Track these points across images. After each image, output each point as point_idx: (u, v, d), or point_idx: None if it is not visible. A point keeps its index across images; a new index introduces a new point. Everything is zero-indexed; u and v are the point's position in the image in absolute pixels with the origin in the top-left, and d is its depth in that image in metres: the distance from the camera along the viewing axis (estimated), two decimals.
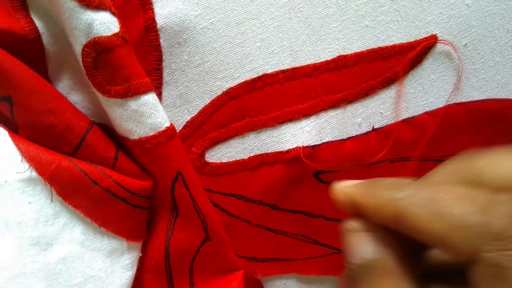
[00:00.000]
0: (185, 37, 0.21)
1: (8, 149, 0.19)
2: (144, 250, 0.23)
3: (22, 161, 0.19)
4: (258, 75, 0.22)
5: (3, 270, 0.19)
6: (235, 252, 0.24)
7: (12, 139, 0.19)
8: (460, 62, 0.21)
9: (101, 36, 0.18)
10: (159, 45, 0.21)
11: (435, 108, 0.22)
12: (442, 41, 0.21)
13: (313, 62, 0.22)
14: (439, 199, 0.16)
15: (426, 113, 0.22)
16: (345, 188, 0.18)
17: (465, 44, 0.22)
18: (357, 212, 0.18)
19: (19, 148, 0.19)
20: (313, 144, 0.22)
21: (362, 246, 0.17)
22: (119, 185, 0.21)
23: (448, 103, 0.22)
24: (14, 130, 0.20)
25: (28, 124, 0.20)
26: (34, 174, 0.19)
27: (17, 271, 0.19)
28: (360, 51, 0.22)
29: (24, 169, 0.19)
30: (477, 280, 0.15)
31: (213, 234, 0.23)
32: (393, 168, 0.23)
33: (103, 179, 0.20)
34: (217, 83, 0.22)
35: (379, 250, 0.17)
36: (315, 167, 0.22)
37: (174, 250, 0.23)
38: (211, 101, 0.22)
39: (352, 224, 0.18)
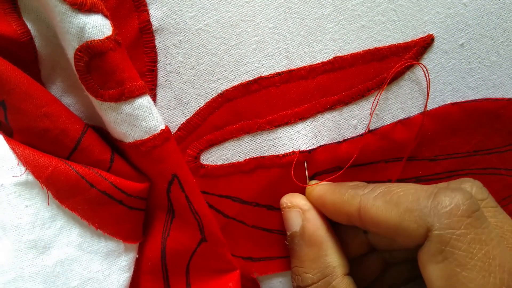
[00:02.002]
0: (180, 38, 0.21)
1: (3, 153, 0.19)
2: (140, 251, 0.23)
3: (18, 164, 0.19)
4: (254, 77, 0.22)
5: (1, 274, 0.19)
6: (231, 252, 0.24)
7: (7, 143, 0.19)
8: (428, 83, 0.22)
9: (94, 40, 0.18)
10: (154, 46, 0.21)
11: (430, 108, 0.22)
12: (419, 64, 0.22)
13: (309, 64, 0.22)
14: (394, 191, 0.18)
15: (421, 113, 0.22)
16: (317, 187, 0.22)
17: (462, 44, 0.22)
18: (324, 209, 0.21)
19: (15, 152, 0.19)
20: (309, 148, 0.22)
21: (293, 220, 0.21)
22: (116, 187, 0.21)
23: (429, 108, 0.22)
24: (8, 135, 0.20)
25: (23, 129, 0.20)
26: (30, 177, 0.19)
27: (14, 274, 0.19)
28: (356, 51, 0.22)
29: (20, 173, 0.19)
30: (424, 258, 0.17)
31: (210, 235, 0.23)
32: (387, 168, 0.23)
33: (99, 181, 0.20)
34: (212, 85, 0.22)
35: (306, 223, 0.21)
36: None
37: (171, 251, 0.23)
38: (206, 103, 0.22)
39: (286, 202, 0.22)
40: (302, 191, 0.22)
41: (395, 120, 0.22)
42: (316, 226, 0.21)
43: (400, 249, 0.21)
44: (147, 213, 0.24)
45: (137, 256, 0.23)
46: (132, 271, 0.23)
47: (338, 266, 0.20)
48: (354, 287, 0.20)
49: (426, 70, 0.22)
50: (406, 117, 0.22)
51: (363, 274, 0.22)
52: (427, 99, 0.22)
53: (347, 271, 0.20)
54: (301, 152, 0.22)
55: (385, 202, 0.18)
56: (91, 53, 0.18)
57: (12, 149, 0.19)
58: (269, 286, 0.25)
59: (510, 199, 0.24)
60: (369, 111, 0.22)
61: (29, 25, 0.20)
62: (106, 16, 0.18)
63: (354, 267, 0.21)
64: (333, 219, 0.21)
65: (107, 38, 0.18)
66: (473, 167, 0.23)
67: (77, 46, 0.18)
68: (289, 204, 0.22)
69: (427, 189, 0.18)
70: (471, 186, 0.19)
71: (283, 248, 0.24)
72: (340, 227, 0.22)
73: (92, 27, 0.18)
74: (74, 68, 0.19)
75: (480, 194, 0.19)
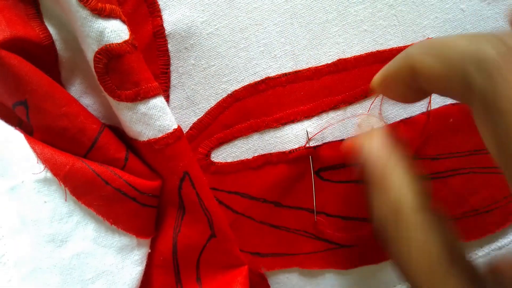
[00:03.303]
0: (192, 42, 0.22)
1: (25, 151, 0.20)
2: (153, 246, 0.24)
3: (37, 162, 0.20)
4: (262, 78, 0.22)
5: (21, 265, 0.20)
6: (239, 248, 0.24)
7: (28, 142, 0.20)
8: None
9: (112, 43, 0.19)
10: (167, 50, 0.22)
11: (431, 109, 0.23)
12: None
13: (314, 66, 0.22)
14: (440, 43, 0.15)
15: (423, 113, 0.23)
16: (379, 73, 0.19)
17: None
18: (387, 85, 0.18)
19: (34, 150, 0.20)
20: (314, 144, 0.23)
21: (372, 146, 0.19)
22: (130, 185, 0.21)
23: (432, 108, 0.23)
24: (29, 133, 0.21)
25: (43, 127, 0.20)
26: (49, 174, 0.20)
27: (34, 266, 0.20)
28: (359, 54, 0.22)
29: (39, 170, 0.20)
30: (474, 118, 0.14)
31: (219, 231, 0.23)
32: None
33: (114, 179, 0.21)
34: (222, 86, 0.23)
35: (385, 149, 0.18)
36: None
37: (182, 246, 0.24)
38: (217, 103, 0.23)
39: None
40: (312, 188, 0.23)
41: (398, 119, 0.23)
42: (373, 165, 0.18)
43: None
44: (159, 210, 0.24)
45: (149, 250, 0.24)
46: (144, 264, 0.23)
47: (411, 201, 0.17)
48: (430, 223, 0.17)
49: None
50: (408, 116, 0.23)
51: None
52: (430, 100, 0.23)
53: (422, 205, 0.17)
54: (306, 148, 0.23)
55: (433, 55, 0.15)
56: (109, 55, 0.19)
57: (32, 147, 0.20)
58: (277, 281, 0.25)
59: (510, 198, 0.24)
60: (372, 111, 0.23)
61: (51, 30, 0.21)
62: (123, 21, 0.19)
63: None
64: (402, 100, 0.19)
65: (125, 42, 0.19)
66: (474, 165, 0.24)
67: (97, 49, 0.19)
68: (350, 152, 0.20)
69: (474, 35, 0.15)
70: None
71: (290, 245, 0.24)
72: None
73: (111, 32, 0.19)
74: (93, 70, 0.20)
75: None
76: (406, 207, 0.17)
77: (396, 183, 0.18)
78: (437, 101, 0.23)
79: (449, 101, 0.23)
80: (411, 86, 0.17)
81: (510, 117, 0.12)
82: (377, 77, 0.18)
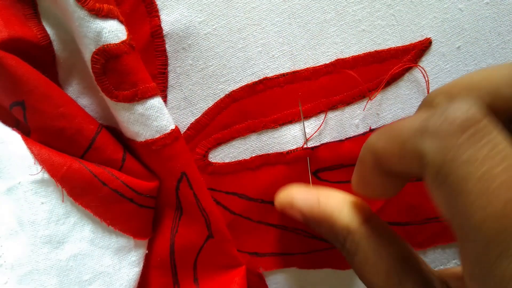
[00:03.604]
0: (189, 42, 0.22)
1: (21, 152, 0.20)
2: (150, 247, 0.24)
3: (34, 163, 0.20)
4: (259, 78, 0.22)
5: (18, 267, 0.20)
6: (237, 248, 0.24)
7: (25, 142, 0.20)
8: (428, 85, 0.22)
9: (110, 44, 0.19)
10: (164, 50, 0.22)
11: None
12: (417, 66, 0.22)
13: (312, 66, 0.22)
14: (393, 124, 0.16)
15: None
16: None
17: (459, 47, 0.22)
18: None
19: (31, 151, 0.20)
20: (312, 145, 0.23)
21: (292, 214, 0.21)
22: (127, 186, 0.21)
23: None
24: (26, 133, 0.21)
25: (40, 128, 0.20)
26: (46, 175, 0.20)
27: (31, 268, 0.20)
28: (357, 54, 0.22)
29: (36, 171, 0.20)
30: (427, 183, 0.14)
31: (216, 231, 0.23)
32: None
33: (111, 180, 0.21)
34: (220, 86, 0.23)
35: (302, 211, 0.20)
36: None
37: (179, 247, 0.24)
38: (214, 104, 0.23)
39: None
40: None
41: (396, 119, 0.23)
42: (307, 208, 0.20)
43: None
44: (157, 211, 0.24)
45: (147, 251, 0.24)
46: (141, 266, 0.23)
47: (350, 221, 0.18)
48: (378, 230, 0.18)
49: (425, 72, 0.22)
50: (406, 116, 0.23)
51: None
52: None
53: (362, 217, 0.19)
54: (304, 149, 0.23)
55: (388, 137, 0.16)
56: (107, 56, 0.19)
57: (29, 148, 0.20)
58: (275, 281, 0.25)
59: None
60: (370, 111, 0.23)
61: (49, 30, 0.21)
62: (121, 21, 0.19)
63: None
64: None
65: (122, 42, 0.19)
66: None
67: (94, 49, 0.19)
68: (278, 207, 0.22)
69: (423, 114, 0.15)
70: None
71: (288, 244, 0.25)
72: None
73: (109, 32, 0.19)
74: (90, 70, 0.20)
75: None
76: (354, 225, 0.18)
77: (336, 215, 0.19)
78: None
79: None
80: (381, 174, 0.17)
81: (463, 196, 0.13)
82: (353, 179, 0.19)
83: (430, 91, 0.23)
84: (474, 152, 0.13)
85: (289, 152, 0.23)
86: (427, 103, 0.18)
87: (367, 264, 0.18)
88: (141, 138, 0.21)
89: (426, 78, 0.22)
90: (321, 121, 0.23)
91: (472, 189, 0.12)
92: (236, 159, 0.23)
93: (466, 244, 0.13)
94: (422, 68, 0.22)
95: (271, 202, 0.24)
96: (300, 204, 0.20)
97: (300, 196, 0.20)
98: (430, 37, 0.22)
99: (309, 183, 0.23)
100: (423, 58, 0.22)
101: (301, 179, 0.23)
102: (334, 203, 0.19)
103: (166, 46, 0.22)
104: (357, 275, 0.19)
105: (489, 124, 0.13)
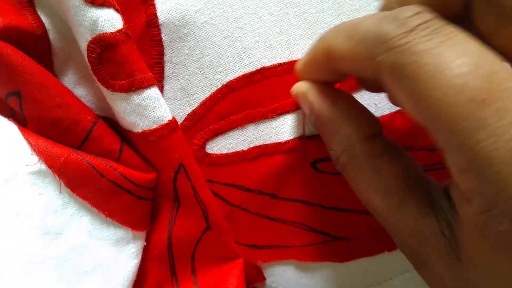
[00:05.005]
0: (185, 31, 0.22)
1: (18, 143, 0.20)
2: (147, 239, 0.24)
3: (32, 154, 0.20)
4: (257, 68, 0.22)
5: (15, 258, 0.19)
6: (235, 240, 0.24)
7: (21, 133, 0.20)
8: None
9: (106, 33, 0.19)
10: (160, 39, 0.22)
11: None
12: None
13: None
14: (350, 23, 0.16)
15: None
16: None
17: None
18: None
19: (28, 142, 0.20)
20: (310, 134, 0.23)
21: (302, 106, 0.20)
22: (125, 177, 0.21)
23: None
24: (22, 124, 0.21)
25: (36, 118, 0.20)
26: (43, 166, 0.20)
27: (28, 259, 0.20)
28: None
29: (34, 162, 0.20)
30: (386, 86, 0.15)
31: (214, 223, 0.23)
32: None
33: (109, 171, 0.21)
34: (217, 76, 0.23)
35: (311, 104, 0.19)
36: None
37: (177, 239, 0.24)
38: (211, 94, 0.23)
39: (292, 91, 0.20)
40: (308, 180, 0.23)
41: (394, 110, 0.23)
42: (319, 104, 0.19)
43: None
44: (154, 202, 0.24)
45: (145, 243, 0.24)
46: (140, 257, 0.23)
47: (354, 133, 0.18)
48: (380, 149, 0.17)
49: None
50: None
51: None
52: None
53: (368, 132, 0.18)
54: (302, 138, 0.23)
55: (345, 36, 0.16)
56: (103, 45, 0.19)
57: (26, 139, 0.20)
58: (272, 273, 0.25)
59: None
60: (368, 102, 0.23)
61: (44, 19, 0.21)
62: (117, 10, 0.19)
63: None
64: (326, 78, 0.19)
65: (118, 31, 0.19)
66: None
67: (90, 38, 0.19)
68: (293, 93, 0.20)
69: (381, 13, 0.15)
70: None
71: (286, 237, 0.24)
72: None
73: (105, 21, 0.19)
74: (86, 60, 0.20)
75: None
76: (355, 139, 0.18)
77: (342, 120, 0.18)
78: None
79: None
80: (328, 68, 0.18)
81: (420, 82, 0.13)
82: (299, 62, 0.19)
83: None
84: (428, 40, 0.13)
85: (287, 142, 0.23)
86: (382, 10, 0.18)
87: (363, 182, 0.17)
88: (138, 129, 0.21)
89: None
90: None
91: (432, 73, 0.13)
92: (233, 150, 0.23)
93: (440, 135, 0.13)
94: None
95: (270, 194, 0.24)
96: (313, 97, 0.19)
97: (317, 90, 0.19)
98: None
99: (307, 174, 0.23)
100: None
101: (300, 170, 0.23)
102: (346, 109, 0.18)
103: (162, 35, 0.22)
104: (355, 193, 0.18)
105: (440, 19, 0.14)
